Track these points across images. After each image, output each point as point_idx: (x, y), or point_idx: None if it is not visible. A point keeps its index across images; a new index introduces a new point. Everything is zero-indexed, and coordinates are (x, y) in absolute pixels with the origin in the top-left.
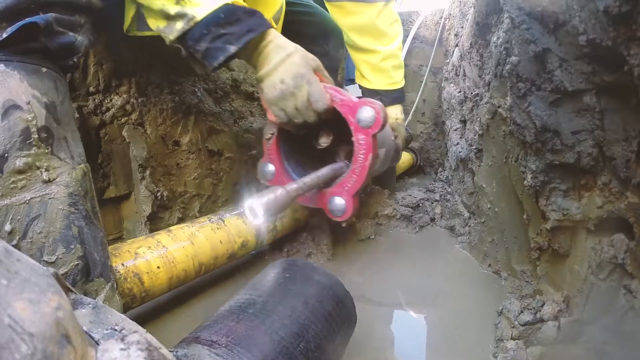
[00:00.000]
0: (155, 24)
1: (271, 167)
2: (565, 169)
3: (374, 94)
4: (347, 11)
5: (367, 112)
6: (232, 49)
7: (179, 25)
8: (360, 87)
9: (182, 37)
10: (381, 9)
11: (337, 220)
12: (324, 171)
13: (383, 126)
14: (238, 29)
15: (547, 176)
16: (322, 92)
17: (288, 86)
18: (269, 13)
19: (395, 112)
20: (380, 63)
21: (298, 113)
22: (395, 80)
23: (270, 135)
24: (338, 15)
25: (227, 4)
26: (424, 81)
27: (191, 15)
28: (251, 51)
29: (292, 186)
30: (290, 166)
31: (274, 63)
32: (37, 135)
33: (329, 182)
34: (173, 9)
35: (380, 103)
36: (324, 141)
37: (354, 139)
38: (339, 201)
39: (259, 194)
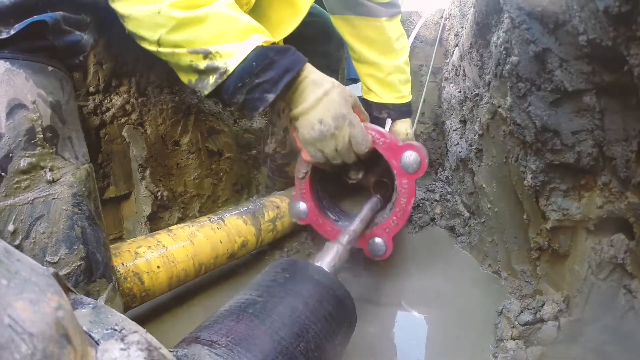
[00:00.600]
0: (187, 78)
1: (304, 206)
2: (565, 169)
3: (381, 107)
4: (352, 24)
5: (411, 157)
6: (271, 97)
7: (212, 79)
8: (366, 101)
9: (217, 91)
10: (387, 23)
11: (375, 259)
12: (365, 213)
13: (425, 169)
14: (274, 74)
15: (547, 176)
16: (365, 134)
17: (328, 127)
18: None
19: (404, 127)
20: (386, 77)
21: (337, 155)
22: (403, 94)
23: (303, 175)
24: (343, 28)
25: (257, 47)
26: (426, 82)
27: (223, 68)
28: (285, 89)
29: (345, 238)
30: (324, 203)
31: (311, 101)
32: (42, 135)
33: (369, 223)
34: (202, 64)
35: (422, 146)
36: (355, 176)
37: (396, 182)
38: (379, 241)
39: (320, 255)
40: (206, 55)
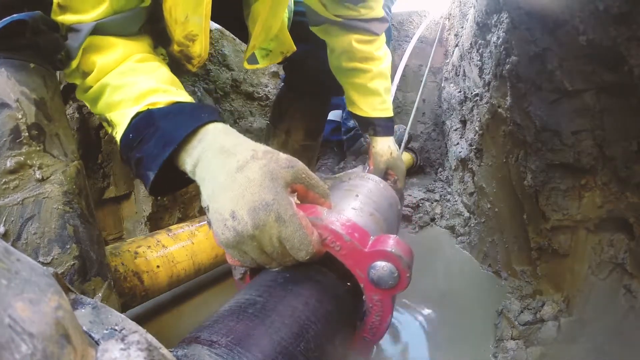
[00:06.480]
0: None
1: None
2: (565, 169)
3: (367, 124)
4: (332, 34)
5: (384, 270)
6: (151, 175)
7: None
8: (353, 114)
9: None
10: (381, 39)
11: None
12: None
13: (408, 284)
14: (153, 146)
15: (547, 176)
16: (304, 236)
17: (244, 226)
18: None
19: (388, 144)
20: (368, 83)
21: (269, 259)
22: (387, 105)
23: (241, 275)
24: (325, 37)
25: (139, 113)
26: (423, 81)
27: (116, 140)
28: (184, 160)
29: None
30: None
31: (219, 181)
32: (27, 133)
33: None
34: (110, 130)
35: (404, 251)
36: None
37: (365, 297)
38: None
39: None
40: (108, 123)
